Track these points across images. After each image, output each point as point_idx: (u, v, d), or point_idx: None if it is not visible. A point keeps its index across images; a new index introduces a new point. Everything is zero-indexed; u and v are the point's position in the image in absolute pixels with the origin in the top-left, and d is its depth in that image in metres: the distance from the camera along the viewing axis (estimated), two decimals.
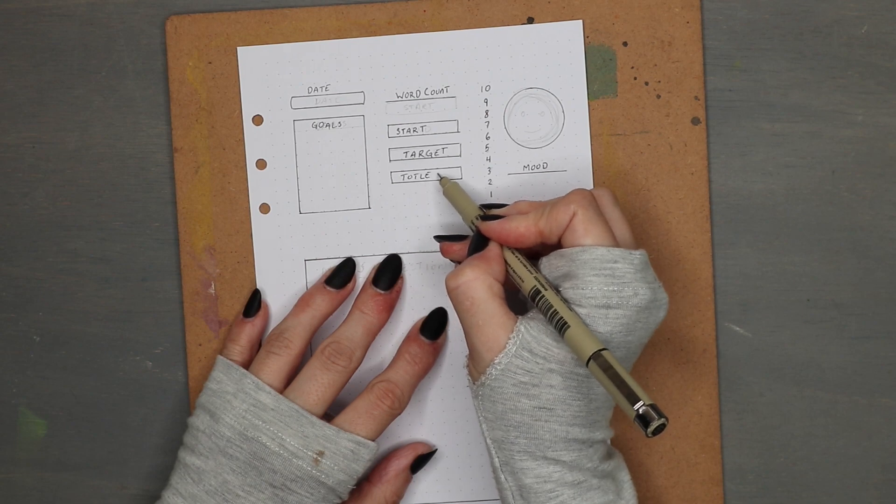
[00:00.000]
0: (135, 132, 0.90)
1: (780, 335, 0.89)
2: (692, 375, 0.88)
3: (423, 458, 0.88)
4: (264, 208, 0.89)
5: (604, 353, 0.74)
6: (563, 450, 0.79)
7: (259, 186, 0.89)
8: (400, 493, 0.87)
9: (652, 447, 0.88)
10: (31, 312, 0.90)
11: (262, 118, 0.88)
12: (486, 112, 0.88)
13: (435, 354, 0.87)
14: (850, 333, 0.89)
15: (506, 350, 0.78)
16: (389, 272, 0.87)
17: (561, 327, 0.76)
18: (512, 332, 0.78)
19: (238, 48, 0.88)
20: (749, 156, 0.88)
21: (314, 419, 0.82)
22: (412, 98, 0.88)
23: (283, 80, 0.88)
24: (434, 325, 0.87)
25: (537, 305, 0.78)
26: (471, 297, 0.79)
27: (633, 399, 0.72)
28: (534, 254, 0.83)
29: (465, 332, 0.80)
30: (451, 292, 0.80)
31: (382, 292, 0.87)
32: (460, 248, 0.84)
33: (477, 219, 0.83)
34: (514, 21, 0.88)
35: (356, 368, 0.85)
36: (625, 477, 0.81)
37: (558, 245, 0.80)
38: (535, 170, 0.88)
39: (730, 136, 0.88)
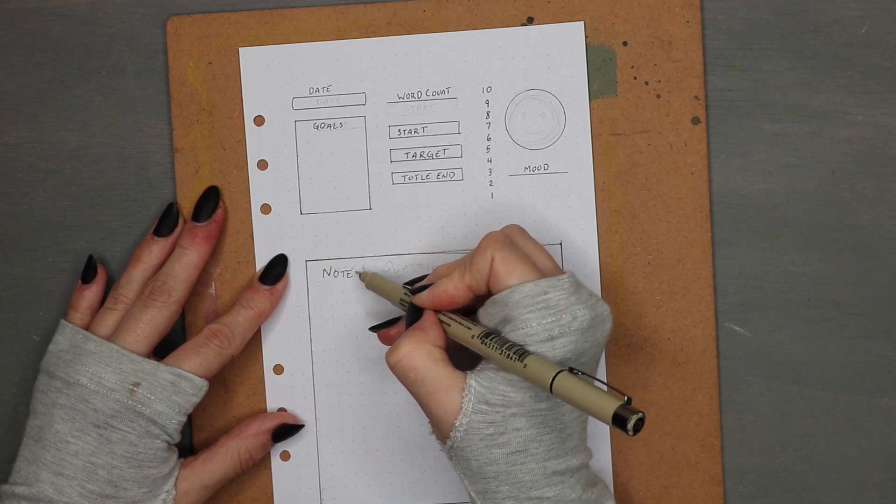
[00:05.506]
0: (135, 132, 0.89)
1: (780, 335, 0.89)
2: (692, 375, 0.88)
3: (288, 429, 0.88)
4: (265, 209, 0.88)
5: (560, 374, 0.74)
6: (545, 486, 0.78)
7: (260, 187, 0.88)
8: (254, 454, 0.87)
9: (652, 447, 0.88)
10: (31, 312, 0.90)
11: (263, 119, 0.88)
12: (488, 113, 0.88)
13: (272, 300, 0.87)
14: (850, 333, 0.89)
15: (463, 410, 0.78)
16: (206, 204, 0.87)
17: (521, 355, 0.76)
18: (464, 390, 0.78)
19: (240, 49, 0.88)
20: (749, 156, 0.88)
21: (133, 356, 0.83)
22: (413, 99, 0.88)
23: (285, 81, 0.88)
24: (271, 271, 0.88)
25: (491, 348, 0.77)
26: (413, 368, 0.79)
27: (605, 407, 0.72)
28: (471, 310, 0.83)
29: (420, 405, 0.80)
30: (393, 369, 0.79)
31: (200, 224, 0.87)
32: (397, 331, 0.85)
33: (406, 295, 0.83)
34: (514, 21, 0.88)
35: (180, 304, 0.85)
36: None
37: (490, 295, 0.80)
38: (537, 171, 0.88)
39: (730, 135, 0.88)
